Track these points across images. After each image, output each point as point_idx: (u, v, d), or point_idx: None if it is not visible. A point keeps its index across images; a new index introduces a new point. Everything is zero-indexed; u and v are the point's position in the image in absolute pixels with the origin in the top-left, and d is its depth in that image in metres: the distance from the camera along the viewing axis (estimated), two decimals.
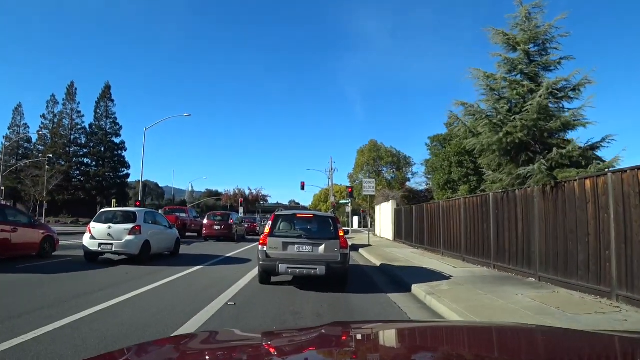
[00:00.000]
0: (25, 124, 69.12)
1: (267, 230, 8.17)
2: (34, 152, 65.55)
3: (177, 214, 23.36)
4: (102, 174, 64.06)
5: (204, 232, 22.02)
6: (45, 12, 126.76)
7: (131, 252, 10.92)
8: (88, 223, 12.03)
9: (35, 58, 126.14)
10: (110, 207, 32.33)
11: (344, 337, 1.85)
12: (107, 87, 66.81)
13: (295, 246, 7.76)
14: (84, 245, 11.02)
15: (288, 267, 7.57)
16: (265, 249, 7.82)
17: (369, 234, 21.20)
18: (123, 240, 10.77)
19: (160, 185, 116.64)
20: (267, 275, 8.13)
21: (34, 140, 67.76)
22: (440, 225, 15.45)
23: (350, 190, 35.91)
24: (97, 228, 10.99)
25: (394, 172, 41.55)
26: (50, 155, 43.42)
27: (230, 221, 22.04)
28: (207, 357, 1.52)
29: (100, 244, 10.76)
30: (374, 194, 20.30)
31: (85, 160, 65.81)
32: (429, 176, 41.46)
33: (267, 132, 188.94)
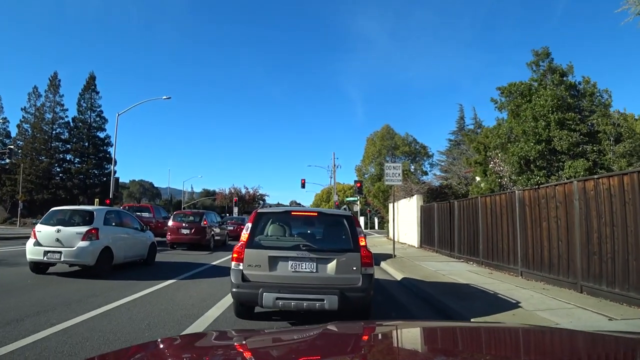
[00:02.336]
0: (5, 117, 64.01)
1: (244, 237, 5.38)
2: (14, 148, 60.62)
3: (137, 214, 17.80)
4: (85, 171, 58.94)
5: (168, 237, 16.50)
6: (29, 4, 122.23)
7: (85, 261, 8.85)
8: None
9: (18, 49, 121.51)
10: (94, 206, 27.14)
11: (346, 336, 1.85)
12: (92, 78, 61.66)
13: (290, 263, 5.18)
14: (27, 254, 9.04)
15: (278, 298, 4.92)
16: (240, 267, 5.18)
17: (393, 240, 15.52)
18: (74, 248, 8.76)
19: (155, 185, 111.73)
20: (244, 307, 5.49)
21: (13, 135, 62.44)
22: (515, 229, 9.79)
23: (359, 185, 30.34)
24: (43, 232, 9.01)
25: (411, 164, 35.68)
26: (12, 147, 37.95)
27: (204, 223, 16.44)
28: (213, 357, 1.55)
29: (46, 252, 8.73)
30: (400, 183, 14.69)
31: (68, 156, 60.55)
32: (444, 172, 35.74)
33: (267, 132, 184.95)
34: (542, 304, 6.48)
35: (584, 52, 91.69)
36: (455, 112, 56.24)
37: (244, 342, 1.77)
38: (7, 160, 51.58)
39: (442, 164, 36.11)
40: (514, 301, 6.66)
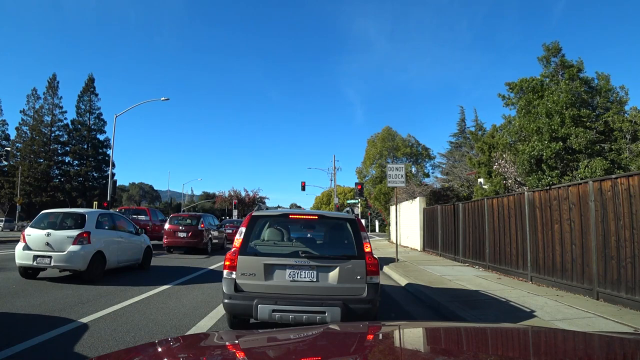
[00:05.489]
0: (4, 120, 63.78)
1: (237, 242, 4.90)
2: (12, 151, 60.28)
3: (134, 217, 17.41)
4: (84, 174, 58.57)
5: (164, 240, 16.08)
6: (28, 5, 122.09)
7: (76, 266, 8.58)
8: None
9: (17, 52, 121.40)
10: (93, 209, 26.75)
11: (348, 336, 1.85)
12: (91, 80, 61.43)
13: (288, 271, 4.73)
14: (16, 258, 8.76)
15: (274, 311, 4.50)
16: (233, 275, 4.74)
17: (396, 243, 15.10)
18: (65, 252, 8.49)
19: (155, 188, 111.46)
20: (238, 319, 5.04)
21: (12, 138, 62.10)
22: (524, 232, 9.38)
23: (360, 187, 29.96)
24: (32, 235, 8.77)
25: (412, 166, 35.21)
26: (9, 149, 37.52)
27: (201, 226, 16.02)
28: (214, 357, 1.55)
29: (35, 257, 8.51)
30: (403, 185, 14.25)
31: (67, 159, 60.11)
32: (445, 175, 35.24)
33: (267, 135, 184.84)
34: (559, 312, 6.06)
35: (585, 53, 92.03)
36: (456, 114, 55.93)
37: (245, 342, 1.74)
38: (5, 163, 51.18)
39: (443, 166, 35.66)
40: (529, 310, 6.24)
